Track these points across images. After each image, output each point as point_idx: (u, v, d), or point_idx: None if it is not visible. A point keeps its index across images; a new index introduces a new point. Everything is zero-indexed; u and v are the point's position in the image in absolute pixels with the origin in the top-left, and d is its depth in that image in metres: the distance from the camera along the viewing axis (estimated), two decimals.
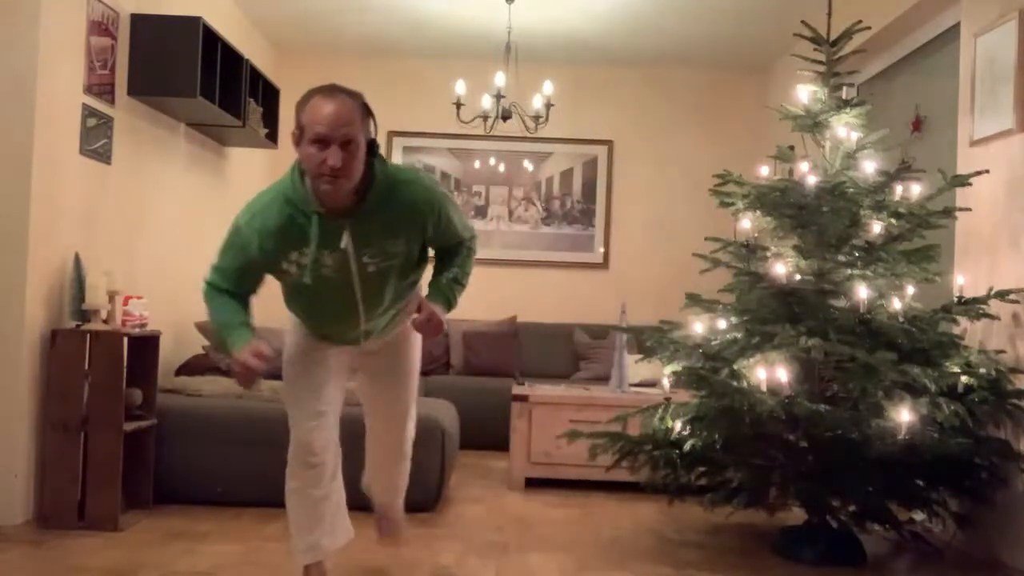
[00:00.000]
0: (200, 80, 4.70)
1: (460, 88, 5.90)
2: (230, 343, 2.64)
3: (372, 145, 2.55)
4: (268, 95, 6.00)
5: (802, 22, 4.13)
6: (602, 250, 7.56)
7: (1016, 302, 3.73)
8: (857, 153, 3.96)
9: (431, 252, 2.84)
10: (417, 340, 3.09)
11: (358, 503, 4.32)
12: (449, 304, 2.74)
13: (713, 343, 3.89)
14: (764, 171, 4.09)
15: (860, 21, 4.05)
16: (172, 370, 5.18)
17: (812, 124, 3.99)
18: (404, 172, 2.68)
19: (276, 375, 3.12)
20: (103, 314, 3.98)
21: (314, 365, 2.89)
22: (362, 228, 2.57)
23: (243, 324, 2.65)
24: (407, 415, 3.14)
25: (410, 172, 2.72)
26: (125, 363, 3.94)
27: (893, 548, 4.00)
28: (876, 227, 3.81)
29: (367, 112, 2.53)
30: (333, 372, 2.93)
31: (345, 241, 2.57)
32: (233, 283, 2.69)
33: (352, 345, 2.92)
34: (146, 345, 4.22)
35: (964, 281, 3.96)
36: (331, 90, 2.49)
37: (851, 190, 3.82)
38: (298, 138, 2.51)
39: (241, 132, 5.64)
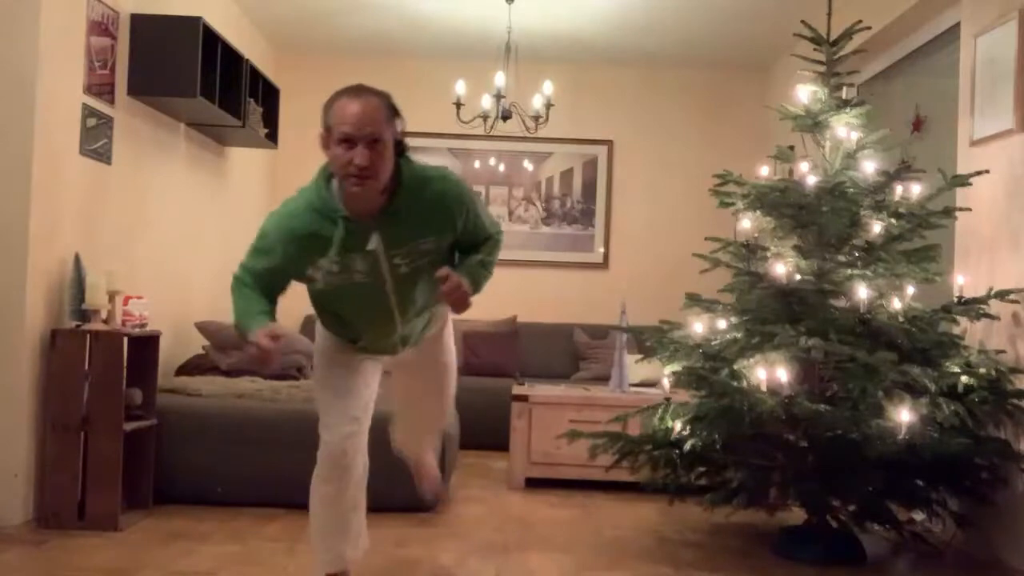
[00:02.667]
0: (200, 80, 4.69)
1: (460, 88, 5.90)
2: (246, 328, 2.60)
3: (399, 145, 2.53)
4: (268, 95, 6.00)
5: (802, 22, 4.13)
6: (602, 250, 7.56)
7: (1016, 302, 3.73)
8: (857, 153, 3.96)
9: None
10: (449, 334, 3.05)
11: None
12: (474, 280, 2.64)
13: (713, 343, 3.89)
14: (764, 171, 4.09)
15: (860, 21, 4.05)
16: (172, 370, 5.18)
17: (812, 124, 4.00)
18: (431, 169, 2.66)
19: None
20: (103, 314, 3.98)
21: (348, 368, 2.84)
22: (392, 229, 2.55)
23: (262, 312, 2.61)
24: (445, 398, 3.18)
25: (437, 169, 2.69)
26: (125, 363, 3.94)
27: (893, 548, 4.00)
28: (876, 227, 3.81)
29: (393, 111, 2.51)
30: (368, 376, 2.90)
31: (374, 243, 2.54)
32: (259, 284, 2.68)
33: (386, 354, 2.90)
34: (146, 345, 4.22)
35: (964, 281, 3.96)
36: (357, 90, 2.48)
37: (851, 190, 3.83)
38: (325, 140, 2.49)
39: (241, 132, 5.64)
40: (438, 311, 2.90)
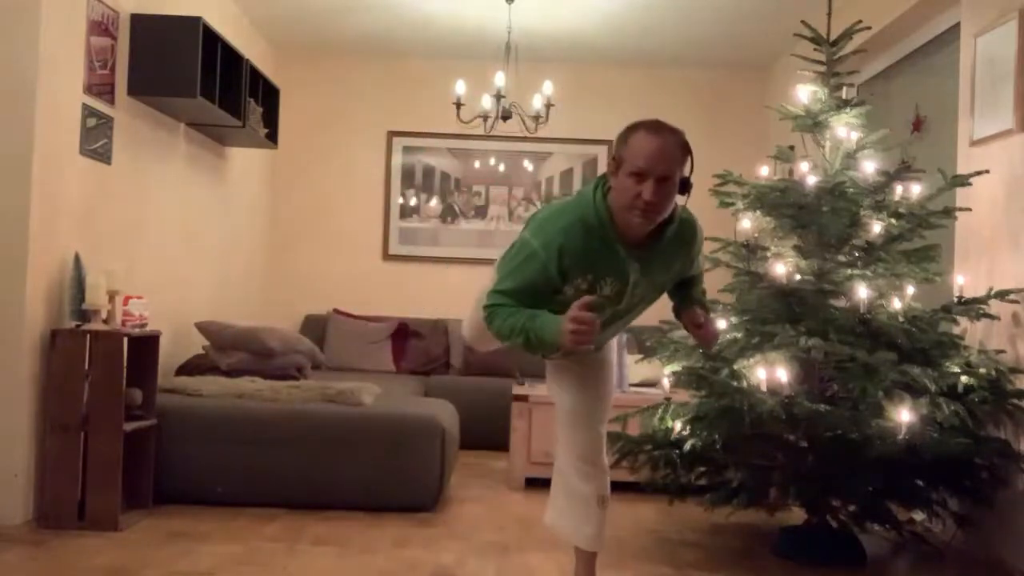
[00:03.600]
0: (200, 80, 4.69)
1: (460, 88, 5.90)
2: (544, 328, 2.45)
3: (685, 184, 2.54)
4: (268, 95, 6.00)
5: (802, 22, 4.13)
6: None
7: (1016, 302, 3.74)
8: (857, 153, 3.96)
9: None
10: (613, 353, 3.10)
11: (358, 504, 4.33)
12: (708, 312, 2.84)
13: None
14: (764, 171, 4.09)
15: (860, 21, 4.05)
16: (172, 370, 5.18)
17: (812, 124, 4.00)
18: (686, 211, 2.70)
19: None
20: (103, 314, 3.98)
21: (575, 374, 2.97)
22: (650, 261, 2.61)
23: (541, 312, 2.49)
24: (607, 411, 3.02)
25: (688, 211, 2.72)
26: (125, 363, 3.94)
27: (893, 548, 4.00)
28: (876, 227, 3.81)
29: (687, 151, 2.53)
30: (593, 373, 3.00)
31: (633, 273, 2.59)
32: (520, 303, 2.55)
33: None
34: (146, 345, 4.22)
35: (964, 281, 3.96)
36: (657, 127, 2.50)
37: (851, 190, 3.83)
38: (615, 169, 2.51)
39: (241, 132, 5.64)
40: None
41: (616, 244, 2.55)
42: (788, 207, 3.87)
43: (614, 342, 3.10)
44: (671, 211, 2.57)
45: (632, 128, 2.51)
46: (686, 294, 2.86)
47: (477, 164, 7.51)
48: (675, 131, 2.52)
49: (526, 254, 2.56)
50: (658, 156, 2.44)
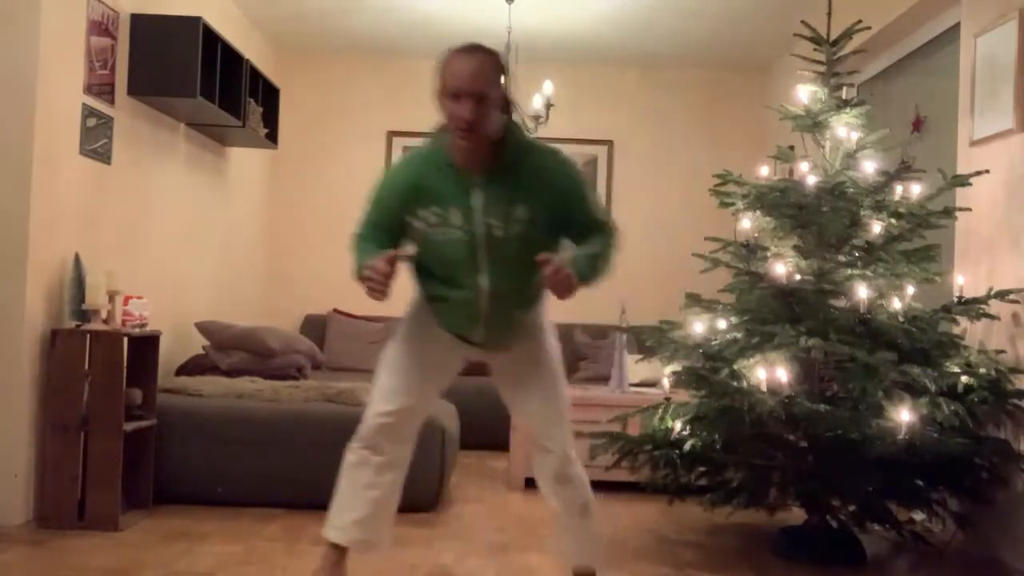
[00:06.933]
0: (200, 80, 4.70)
1: None
2: (357, 264, 2.64)
3: (507, 103, 2.63)
4: (268, 95, 6.00)
5: (802, 22, 4.13)
6: None
7: (1016, 302, 3.74)
8: (857, 153, 3.96)
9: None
10: (553, 347, 2.90)
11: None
12: (579, 269, 2.56)
13: (713, 343, 3.89)
14: (764, 171, 4.09)
15: (860, 21, 4.05)
16: (172, 370, 5.18)
17: (812, 124, 4.00)
18: (542, 144, 2.75)
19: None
20: (103, 314, 3.98)
21: (418, 351, 2.84)
22: (492, 188, 2.61)
23: (374, 250, 2.62)
24: (560, 420, 2.84)
25: (549, 146, 2.76)
26: (125, 363, 3.94)
27: (893, 548, 4.00)
28: (876, 227, 3.81)
29: (501, 70, 2.60)
30: (436, 367, 2.88)
31: (475, 198, 2.60)
32: (374, 234, 2.73)
33: (468, 342, 2.82)
34: (146, 345, 4.22)
35: (964, 281, 3.96)
36: (469, 48, 2.59)
37: (851, 190, 3.83)
38: (439, 95, 2.60)
39: (241, 132, 5.64)
40: (537, 312, 2.86)
41: (453, 170, 2.62)
42: (788, 207, 3.87)
43: (549, 341, 2.89)
44: (505, 134, 2.61)
45: (448, 53, 2.60)
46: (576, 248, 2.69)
47: None
48: (488, 51, 2.60)
49: (374, 188, 2.77)
50: (470, 75, 2.52)
